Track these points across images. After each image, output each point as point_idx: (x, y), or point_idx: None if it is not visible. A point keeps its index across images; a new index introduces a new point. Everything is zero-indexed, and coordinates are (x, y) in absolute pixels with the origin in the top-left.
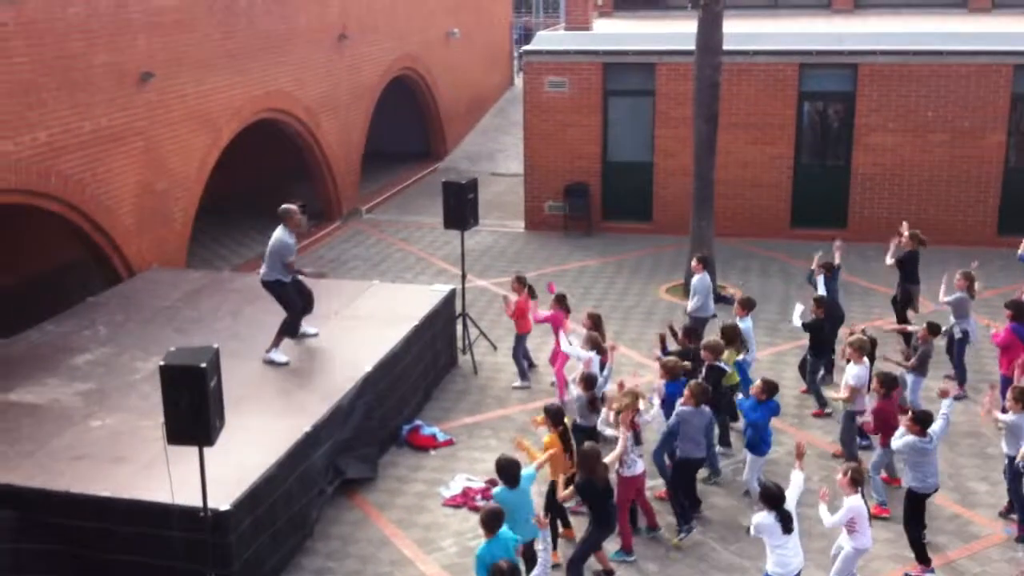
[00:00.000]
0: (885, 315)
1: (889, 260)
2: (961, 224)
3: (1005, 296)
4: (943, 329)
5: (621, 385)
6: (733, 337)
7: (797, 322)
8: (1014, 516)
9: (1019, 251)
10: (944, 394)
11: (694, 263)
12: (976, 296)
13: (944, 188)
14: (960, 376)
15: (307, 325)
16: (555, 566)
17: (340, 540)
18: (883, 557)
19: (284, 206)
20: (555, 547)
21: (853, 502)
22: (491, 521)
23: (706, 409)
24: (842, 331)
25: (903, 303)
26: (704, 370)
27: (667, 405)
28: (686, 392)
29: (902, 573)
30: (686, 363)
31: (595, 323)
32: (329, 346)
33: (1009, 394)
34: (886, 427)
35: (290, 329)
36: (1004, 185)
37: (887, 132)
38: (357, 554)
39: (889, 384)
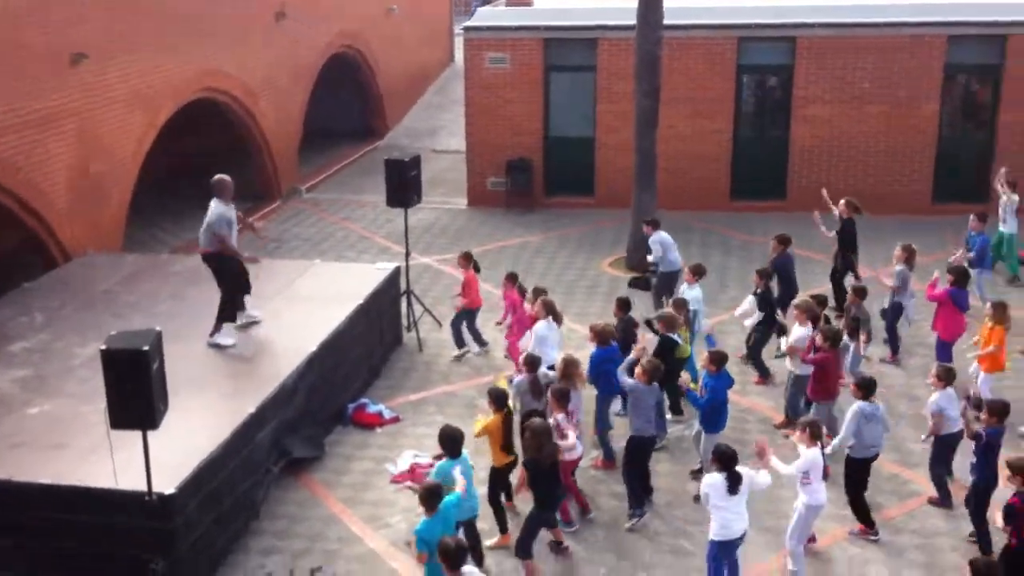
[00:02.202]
0: (826, 282)
1: (829, 233)
2: (897, 193)
3: (940, 263)
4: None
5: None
6: (682, 308)
7: (747, 321)
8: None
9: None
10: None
11: (644, 228)
12: (914, 267)
13: (881, 158)
14: (893, 344)
15: (251, 308)
16: (504, 547)
17: (287, 520)
18: (823, 517)
19: (216, 176)
20: (505, 530)
21: (811, 453)
22: (430, 497)
23: (656, 386)
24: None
25: (842, 271)
26: (657, 341)
27: (594, 370)
28: (638, 370)
29: (846, 532)
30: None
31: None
32: (272, 327)
33: (934, 370)
34: (824, 381)
35: (228, 309)
36: (938, 154)
37: (824, 104)
38: (305, 533)
39: (833, 338)
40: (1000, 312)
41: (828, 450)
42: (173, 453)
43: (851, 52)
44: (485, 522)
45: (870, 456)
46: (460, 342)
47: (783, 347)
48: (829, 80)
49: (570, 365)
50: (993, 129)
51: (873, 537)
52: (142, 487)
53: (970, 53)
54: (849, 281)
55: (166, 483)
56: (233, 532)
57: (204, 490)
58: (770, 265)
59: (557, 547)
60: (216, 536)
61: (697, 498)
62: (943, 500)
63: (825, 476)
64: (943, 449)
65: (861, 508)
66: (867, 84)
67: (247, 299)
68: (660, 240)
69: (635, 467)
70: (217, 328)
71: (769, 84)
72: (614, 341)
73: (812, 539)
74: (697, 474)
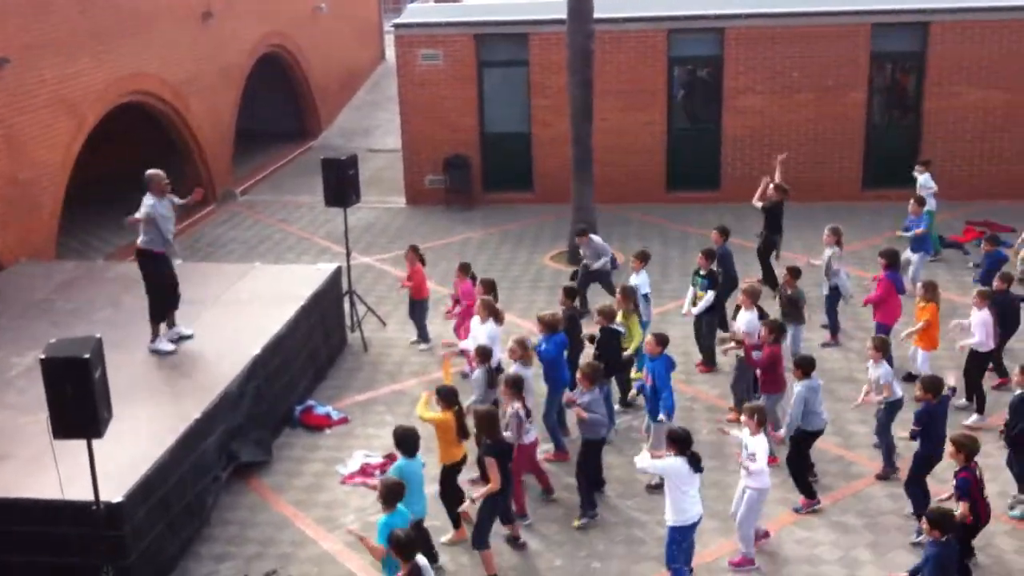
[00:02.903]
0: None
1: (757, 203)
2: (827, 180)
3: (872, 247)
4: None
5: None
6: (629, 296)
7: (691, 308)
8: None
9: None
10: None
11: (578, 239)
12: (843, 246)
13: (810, 146)
14: (832, 326)
15: (182, 325)
16: (458, 543)
17: (239, 525)
18: (770, 501)
19: (148, 171)
20: (458, 525)
21: (761, 439)
22: (390, 495)
23: (598, 390)
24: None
25: (766, 251)
26: (599, 334)
27: (545, 361)
28: (579, 375)
29: (794, 516)
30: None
31: (488, 288)
32: (215, 331)
33: (869, 343)
34: (773, 373)
35: (157, 313)
36: (866, 141)
37: (755, 94)
38: (257, 538)
39: (778, 330)
40: (931, 291)
41: (783, 432)
42: (119, 462)
43: (779, 42)
44: (436, 519)
45: (820, 427)
46: (424, 336)
47: (731, 333)
48: (759, 70)
49: (521, 344)
50: (919, 115)
51: (817, 507)
52: (89, 497)
53: (894, 41)
54: (773, 261)
55: (113, 492)
56: (184, 539)
57: (153, 498)
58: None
59: (514, 542)
60: (166, 543)
61: (651, 487)
62: (890, 468)
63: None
64: (891, 416)
65: (802, 479)
66: (796, 73)
67: (176, 315)
68: (595, 243)
69: (587, 468)
70: (155, 333)
71: (700, 75)
72: (562, 329)
73: (765, 535)
74: (653, 489)
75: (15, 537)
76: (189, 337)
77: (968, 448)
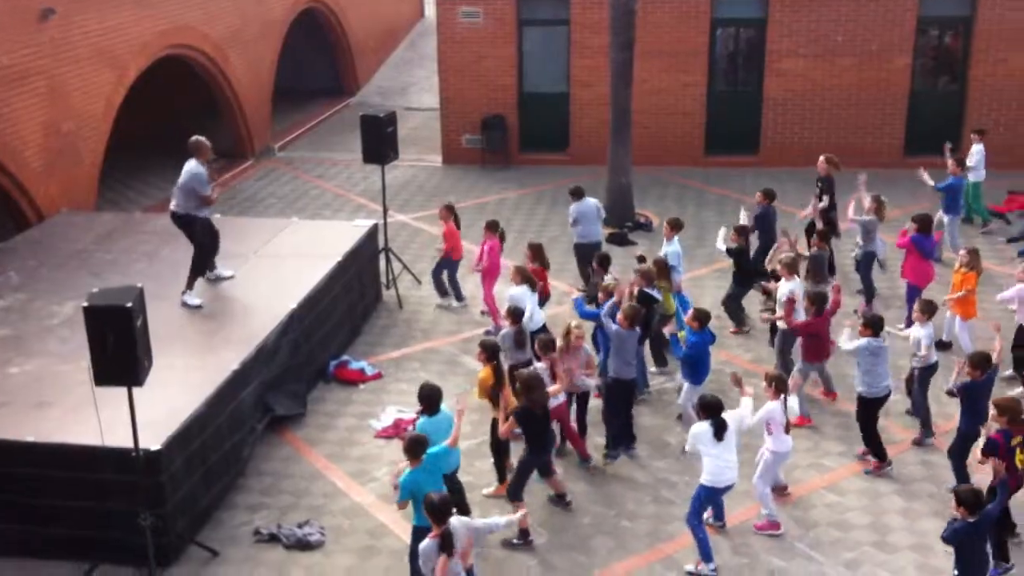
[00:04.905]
0: (801, 237)
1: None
2: (869, 146)
3: (912, 216)
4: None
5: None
6: (663, 268)
7: (721, 246)
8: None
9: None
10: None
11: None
12: (884, 219)
13: (853, 111)
14: (868, 293)
15: (222, 267)
16: (498, 497)
17: (272, 476)
18: (803, 466)
19: (194, 137)
20: (502, 479)
21: (771, 406)
22: (414, 447)
23: (637, 330)
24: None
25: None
26: (637, 293)
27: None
28: (620, 315)
29: (824, 481)
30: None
31: (536, 253)
32: (253, 285)
33: (916, 306)
34: (813, 342)
35: (200, 268)
36: (910, 107)
37: (798, 57)
38: (290, 489)
39: (820, 301)
40: (973, 258)
41: (844, 343)
42: (158, 410)
43: (823, 4)
44: (469, 475)
45: (882, 394)
46: (443, 291)
47: (779, 309)
48: (802, 33)
49: (568, 333)
50: (964, 82)
51: (887, 468)
52: (127, 444)
53: (942, 5)
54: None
55: (152, 440)
56: (219, 489)
57: (190, 447)
58: (751, 220)
59: (559, 500)
60: (202, 493)
61: (682, 451)
62: (927, 433)
63: (787, 430)
64: (926, 381)
65: (875, 443)
66: (840, 37)
67: (216, 259)
68: (575, 209)
69: (615, 409)
70: (189, 285)
71: (743, 37)
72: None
73: (784, 488)
74: (679, 419)
75: (57, 482)
76: (230, 278)
77: (1011, 411)
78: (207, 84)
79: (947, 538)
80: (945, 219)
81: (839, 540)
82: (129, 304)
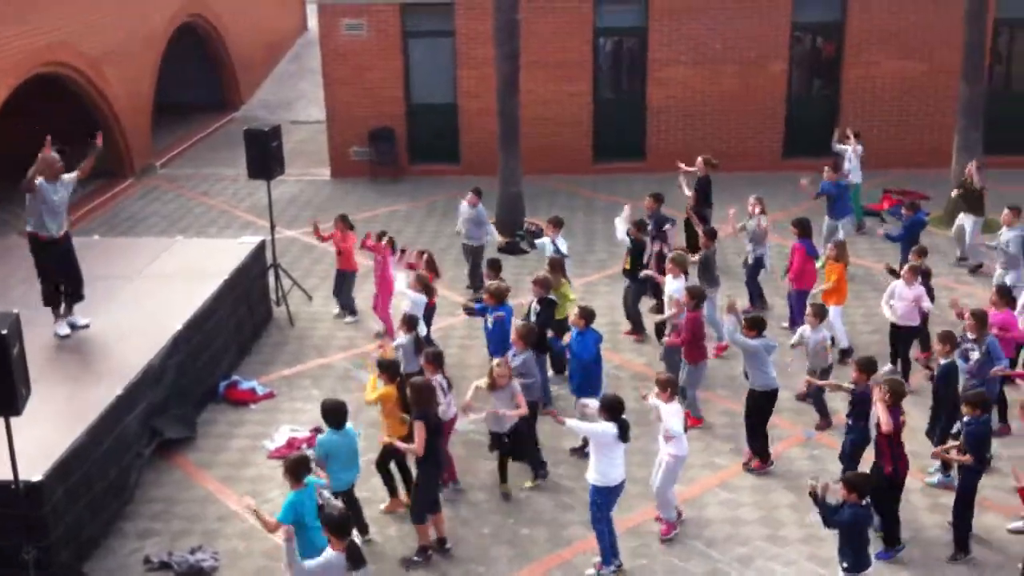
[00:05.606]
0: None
1: (688, 192)
2: (750, 150)
3: (793, 216)
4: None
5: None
6: (558, 267)
7: (621, 233)
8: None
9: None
10: (730, 309)
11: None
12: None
13: (733, 117)
14: (752, 294)
15: (79, 315)
16: (393, 512)
17: (164, 502)
18: (697, 466)
19: (41, 155)
20: (395, 493)
21: (673, 408)
22: (298, 470)
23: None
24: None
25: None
26: (537, 305)
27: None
28: (513, 335)
29: (718, 480)
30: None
31: (428, 262)
32: (137, 306)
33: (809, 310)
34: (697, 341)
35: (46, 298)
36: (787, 111)
37: (678, 65)
38: (182, 514)
39: (699, 296)
40: (840, 251)
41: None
42: (38, 440)
43: (702, 13)
44: (365, 491)
45: (773, 388)
46: (351, 309)
47: (668, 308)
48: (682, 41)
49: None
50: (838, 85)
51: (768, 466)
52: (8, 476)
53: (815, 11)
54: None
55: (33, 471)
56: (107, 517)
57: (73, 476)
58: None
59: (439, 544)
60: (88, 522)
61: (574, 450)
62: (826, 421)
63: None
64: (825, 379)
65: (762, 441)
66: (718, 45)
67: (90, 293)
68: (461, 209)
69: (533, 431)
70: (54, 315)
71: (625, 46)
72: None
73: (679, 515)
74: (576, 452)
75: None
76: (85, 327)
77: (897, 392)
78: (83, 102)
79: (845, 521)
80: (827, 222)
81: (732, 536)
82: (4, 331)
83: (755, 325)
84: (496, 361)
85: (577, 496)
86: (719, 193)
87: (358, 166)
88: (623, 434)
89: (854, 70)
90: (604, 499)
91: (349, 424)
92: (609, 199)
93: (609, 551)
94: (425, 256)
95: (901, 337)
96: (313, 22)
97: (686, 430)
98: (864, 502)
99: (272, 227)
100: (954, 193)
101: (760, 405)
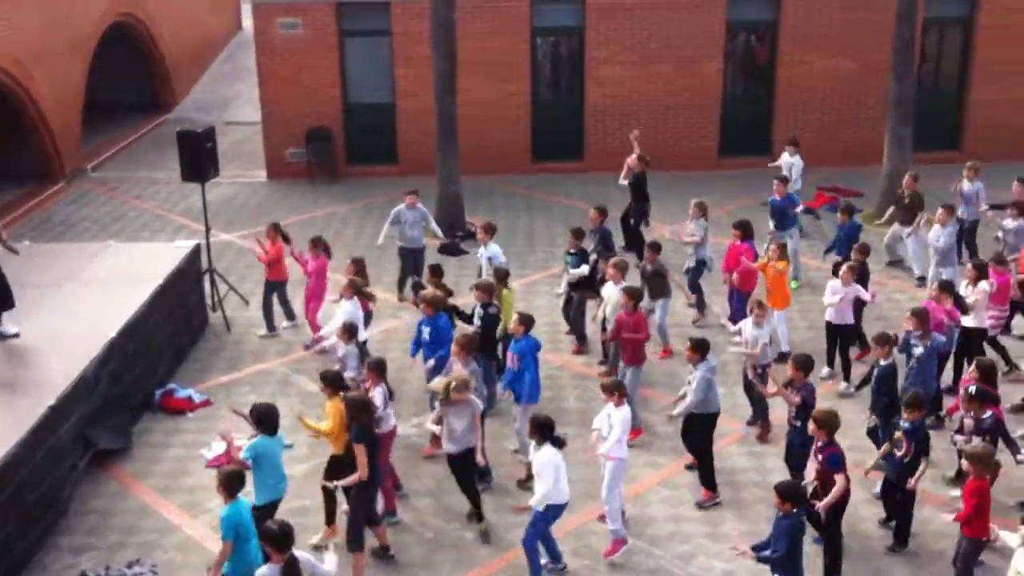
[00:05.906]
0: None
1: (623, 182)
2: (686, 150)
3: (729, 215)
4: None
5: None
6: (503, 278)
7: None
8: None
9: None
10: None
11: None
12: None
13: (670, 116)
14: (699, 301)
15: (9, 324)
16: (328, 541)
17: (99, 514)
18: (639, 465)
19: None
20: (333, 521)
21: (625, 412)
22: (232, 484)
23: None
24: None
25: (636, 220)
26: (481, 311)
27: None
28: (454, 347)
29: (657, 480)
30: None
31: (358, 268)
32: (68, 313)
33: (754, 308)
34: (638, 344)
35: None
36: (723, 111)
37: (615, 65)
38: (119, 527)
39: (637, 297)
40: (782, 252)
41: (676, 412)
42: None
43: (638, 12)
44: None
45: (716, 411)
46: (271, 324)
47: (602, 311)
48: (619, 41)
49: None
50: (772, 84)
51: (717, 501)
52: None
53: (749, 10)
54: (644, 229)
55: None
56: (40, 532)
57: (3, 490)
58: (594, 235)
59: (383, 553)
60: (19, 537)
61: (521, 481)
62: (766, 423)
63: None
64: (764, 377)
65: (710, 467)
66: (654, 44)
67: (5, 315)
68: (395, 211)
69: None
70: None
71: (563, 46)
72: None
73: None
74: (523, 483)
75: None
76: (15, 336)
77: (830, 424)
78: (8, 103)
79: (787, 534)
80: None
81: (674, 533)
82: None
83: (699, 348)
84: (454, 378)
85: (519, 498)
86: (656, 192)
87: (295, 168)
88: (559, 447)
89: (787, 69)
90: (555, 514)
91: (281, 433)
92: (548, 197)
93: (539, 570)
94: (353, 262)
95: (838, 335)
96: (248, 21)
97: (630, 446)
98: (795, 510)
99: (207, 231)
100: (891, 210)
101: (707, 429)
